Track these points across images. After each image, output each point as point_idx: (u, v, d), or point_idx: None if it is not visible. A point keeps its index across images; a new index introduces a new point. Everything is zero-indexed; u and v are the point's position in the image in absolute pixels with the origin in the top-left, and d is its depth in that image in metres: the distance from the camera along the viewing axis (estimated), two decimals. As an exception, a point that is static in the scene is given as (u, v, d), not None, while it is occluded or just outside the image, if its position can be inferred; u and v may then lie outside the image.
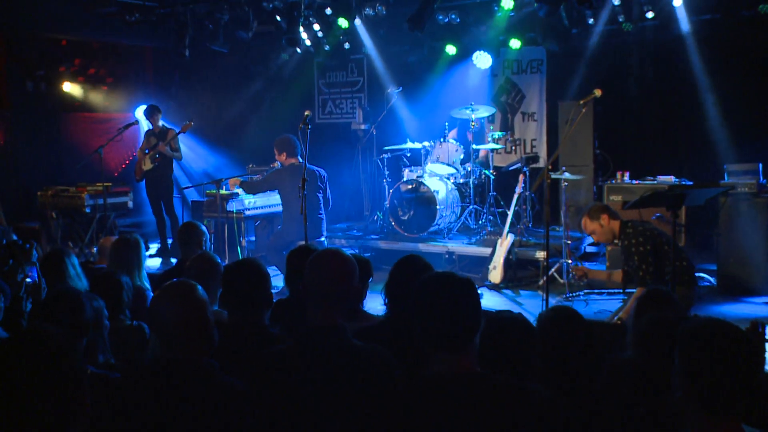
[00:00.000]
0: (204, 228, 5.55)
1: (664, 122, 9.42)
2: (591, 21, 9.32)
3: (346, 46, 11.31)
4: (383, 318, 3.90)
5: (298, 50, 11.58)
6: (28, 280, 4.61)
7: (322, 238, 8.09)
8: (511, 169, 10.18)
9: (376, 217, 10.84)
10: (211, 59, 11.86)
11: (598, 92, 5.83)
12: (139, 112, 12.83)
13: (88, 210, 9.17)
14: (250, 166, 11.05)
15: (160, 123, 10.56)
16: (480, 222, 9.83)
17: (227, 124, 13.48)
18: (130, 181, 11.41)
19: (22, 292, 4.99)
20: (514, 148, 11.27)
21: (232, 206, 8.38)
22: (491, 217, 9.79)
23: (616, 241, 6.11)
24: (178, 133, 10.31)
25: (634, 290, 6.25)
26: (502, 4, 8.86)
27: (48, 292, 3.53)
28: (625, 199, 8.26)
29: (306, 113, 6.97)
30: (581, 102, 5.74)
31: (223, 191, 8.42)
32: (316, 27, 10.83)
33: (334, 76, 13.16)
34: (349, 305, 3.05)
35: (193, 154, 12.77)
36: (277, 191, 8.12)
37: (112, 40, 12.88)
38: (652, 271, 5.61)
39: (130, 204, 9.90)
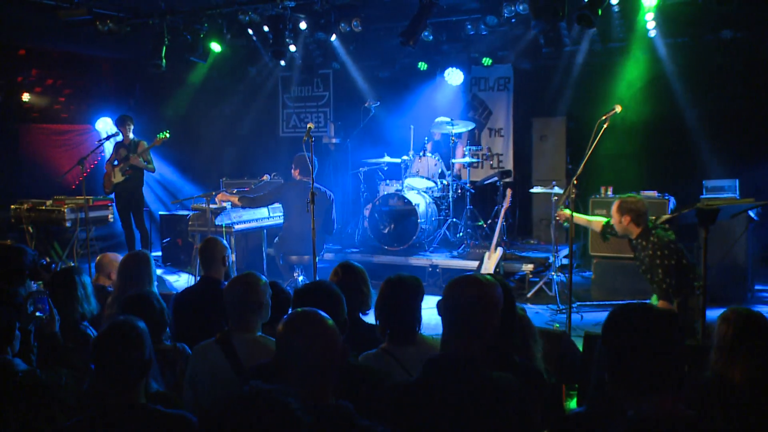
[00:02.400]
0: (226, 243, 5.04)
1: (640, 139, 9.37)
2: (567, 41, 9.17)
3: (319, 60, 10.86)
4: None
5: (270, 64, 11.11)
6: (38, 313, 3.97)
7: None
8: (486, 183, 9.94)
9: (350, 230, 10.43)
10: (174, 72, 11.15)
11: (618, 108, 5.62)
12: (100, 124, 12.10)
13: (69, 224, 8.40)
14: (224, 179, 10.47)
15: (131, 135, 9.85)
16: (459, 235, 9.55)
17: (189, 137, 12.80)
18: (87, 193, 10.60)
19: (30, 326, 4.36)
20: (482, 162, 11.03)
21: (222, 220, 7.82)
22: (469, 231, 9.52)
23: (633, 241, 5.78)
24: (151, 145, 9.67)
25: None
26: (487, 21, 8.58)
27: (103, 328, 2.96)
28: (609, 213, 8.11)
29: (309, 126, 6.58)
30: (603, 117, 5.49)
31: (211, 205, 7.85)
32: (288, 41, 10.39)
33: (299, 91, 12.68)
34: (493, 337, 2.65)
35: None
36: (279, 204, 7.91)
37: (71, 50, 12.05)
38: (675, 284, 5.39)
39: (111, 217, 9.15)
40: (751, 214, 7.49)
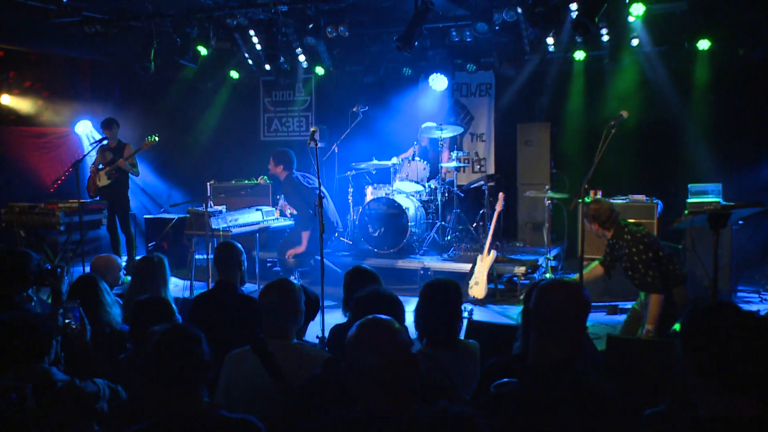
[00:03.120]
0: (241, 247, 4.90)
1: (627, 144, 9.38)
2: (552, 48, 9.20)
3: (305, 65, 10.72)
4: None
5: (253, 68, 10.92)
6: (73, 324, 3.75)
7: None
8: (472, 186, 9.92)
9: (336, 234, 10.29)
10: (154, 75, 10.83)
11: (625, 114, 5.60)
12: (80, 127, 11.78)
13: (62, 228, 8.11)
14: (212, 182, 10.25)
15: (117, 138, 9.60)
16: (447, 238, 9.50)
17: (170, 141, 12.47)
18: (66, 197, 10.23)
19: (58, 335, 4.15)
20: (465, 167, 11.01)
21: (218, 223, 7.63)
22: (458, 234, 9.49)
23: (610, 241, 5.81)
24: (139, 149, 9.44)
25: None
26: (477, 28, 8.56)
27: (158, 335, 2.80)
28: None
29: (312, 129, 6.46)
30: (612, 122, 5.47)
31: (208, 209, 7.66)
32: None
33: (281, 95, 12.51)
34: (579, 338, 2.58)
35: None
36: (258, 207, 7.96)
37: (50, 51, 11.66)
38: (658, 276, 5.43)
39: (105, 221, 8.87)
40: (736, 218, 7.59)
